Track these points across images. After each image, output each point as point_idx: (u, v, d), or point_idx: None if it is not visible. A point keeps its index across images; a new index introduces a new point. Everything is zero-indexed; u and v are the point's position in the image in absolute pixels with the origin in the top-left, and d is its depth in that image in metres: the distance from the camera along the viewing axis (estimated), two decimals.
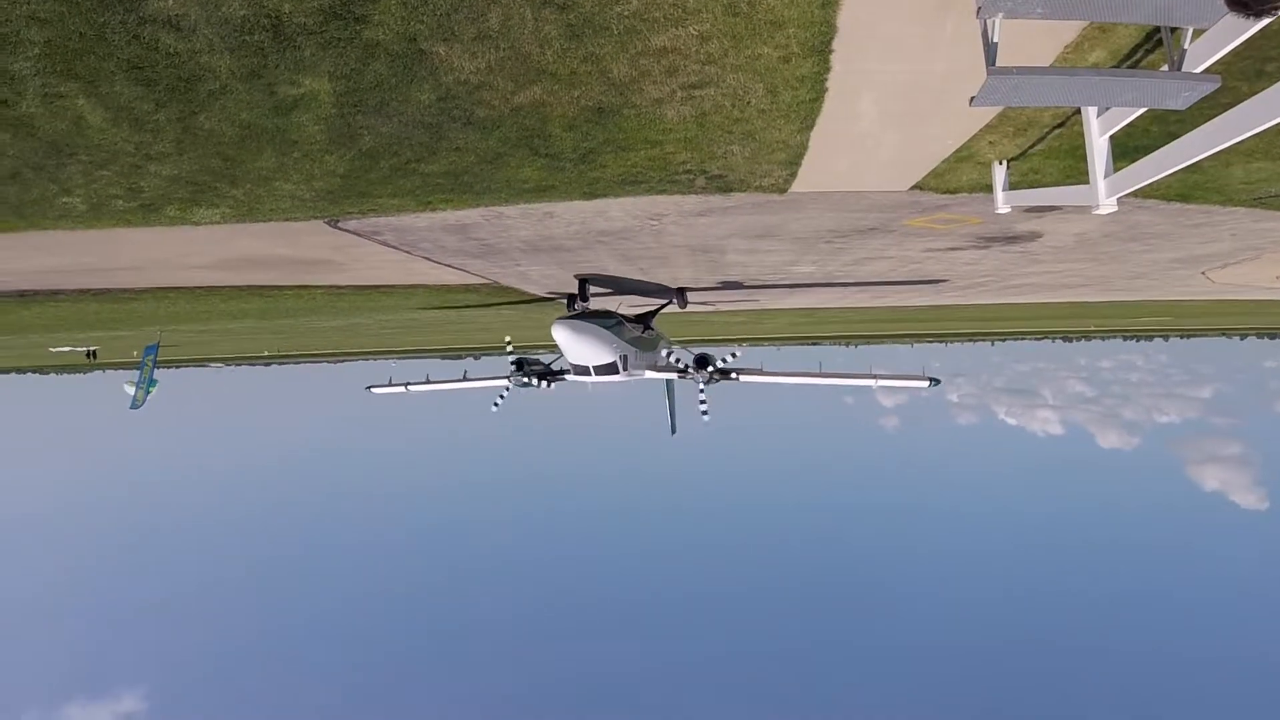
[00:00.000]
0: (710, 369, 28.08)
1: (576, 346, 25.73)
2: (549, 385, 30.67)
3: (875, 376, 28.01)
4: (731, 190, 14.66)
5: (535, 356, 32.37)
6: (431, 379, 35.28)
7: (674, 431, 47.31)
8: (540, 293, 35.14)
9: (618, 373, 27.11)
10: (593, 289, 29.97)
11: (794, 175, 14.08)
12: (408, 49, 9.14)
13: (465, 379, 33.97)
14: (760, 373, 28.66)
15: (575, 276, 28.09)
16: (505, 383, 31.10)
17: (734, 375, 28.23)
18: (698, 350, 29.16)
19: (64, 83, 9.57)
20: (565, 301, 32.19)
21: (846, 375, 29.10)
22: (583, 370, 27.05)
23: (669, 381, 32.34)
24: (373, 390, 36.17)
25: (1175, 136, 9.17)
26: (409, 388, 35.66)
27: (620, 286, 30.90)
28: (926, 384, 27.48)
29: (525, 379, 30.60)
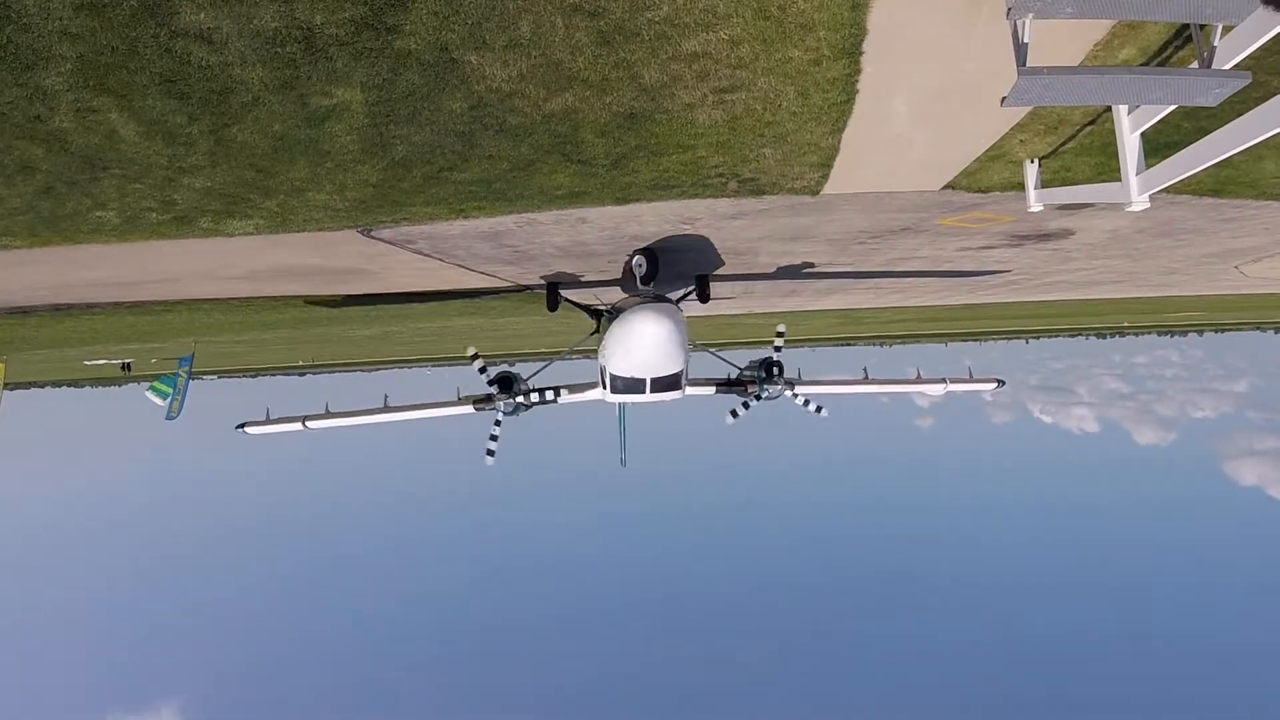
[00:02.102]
0: (782, 379, 21.55)
1: (662, 348, 17.50)
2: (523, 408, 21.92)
3: (945, 381, 24.32)
4: (764, 193, 14.62)
5: (504, 368, 24.74)
6: (331, 410, 23.49)
7: (624, 463, 32.27)
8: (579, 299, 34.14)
9: (678, 388, 19.35)
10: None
11: (826, 177, 14.05)
12: (440, 58, 9.15)
13: (388, 408, 23.16)
14: (825, 382, 23.36)
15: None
16: (494, 413, 21.47)
17: (794, 388, 21.90)
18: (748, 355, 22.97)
19: (97, 97, 9.63)
20: (544, 291, 25.64)
21: (915, 380, 24.70)
22: (631, 386, 18.92)
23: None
24: (247, 430, 23.33)
25: (1206, 132, 9.14)
26: (306, 424, 23.46)
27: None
28: (994, 385, 24.78)
29: (523, 402, 21.62)
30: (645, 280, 20.57)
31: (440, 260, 21.20)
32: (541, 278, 23.28)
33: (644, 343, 17.04)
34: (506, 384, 21.50)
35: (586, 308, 23.35)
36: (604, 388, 19.39)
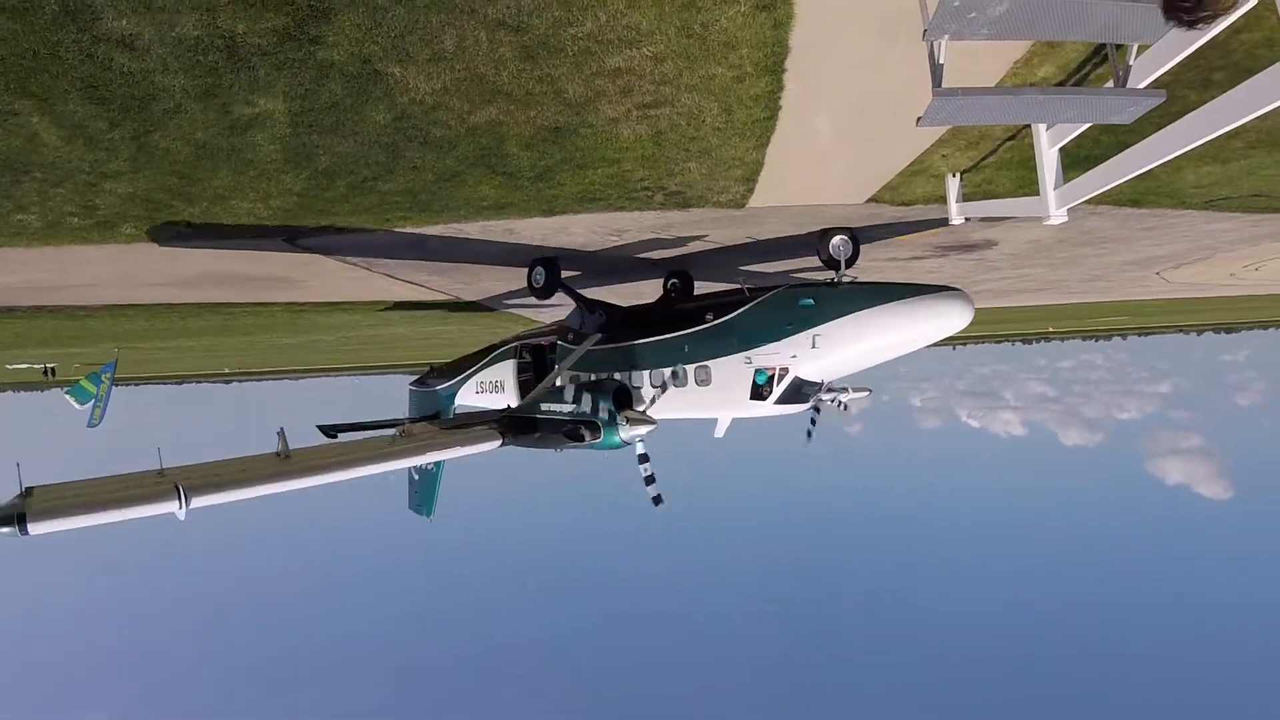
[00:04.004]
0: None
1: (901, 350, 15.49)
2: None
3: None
4: (690, 206, 14.77)
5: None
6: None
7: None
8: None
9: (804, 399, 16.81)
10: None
11: (751, 190, 14.24)
12: (362, 70, 9.19)
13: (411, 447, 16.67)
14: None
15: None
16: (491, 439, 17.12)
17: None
18: None
19: (17, 100, 9.54)
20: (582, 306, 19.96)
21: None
22: (796, 394, 16.31)
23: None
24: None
25: (1125, 145, 9.41)
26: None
27: (596, 265, 21.18)
28: (865, 394, 19.00)
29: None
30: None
31: (367, 269, 21.14)
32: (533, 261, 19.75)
33: (922, 341, 15.01)
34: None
35: (585, 300, 19.81)
36: (740, 397, 16.34)
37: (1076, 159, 11.34)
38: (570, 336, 19.97)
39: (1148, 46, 8.07)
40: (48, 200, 13.14)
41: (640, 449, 16.34)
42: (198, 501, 12.07)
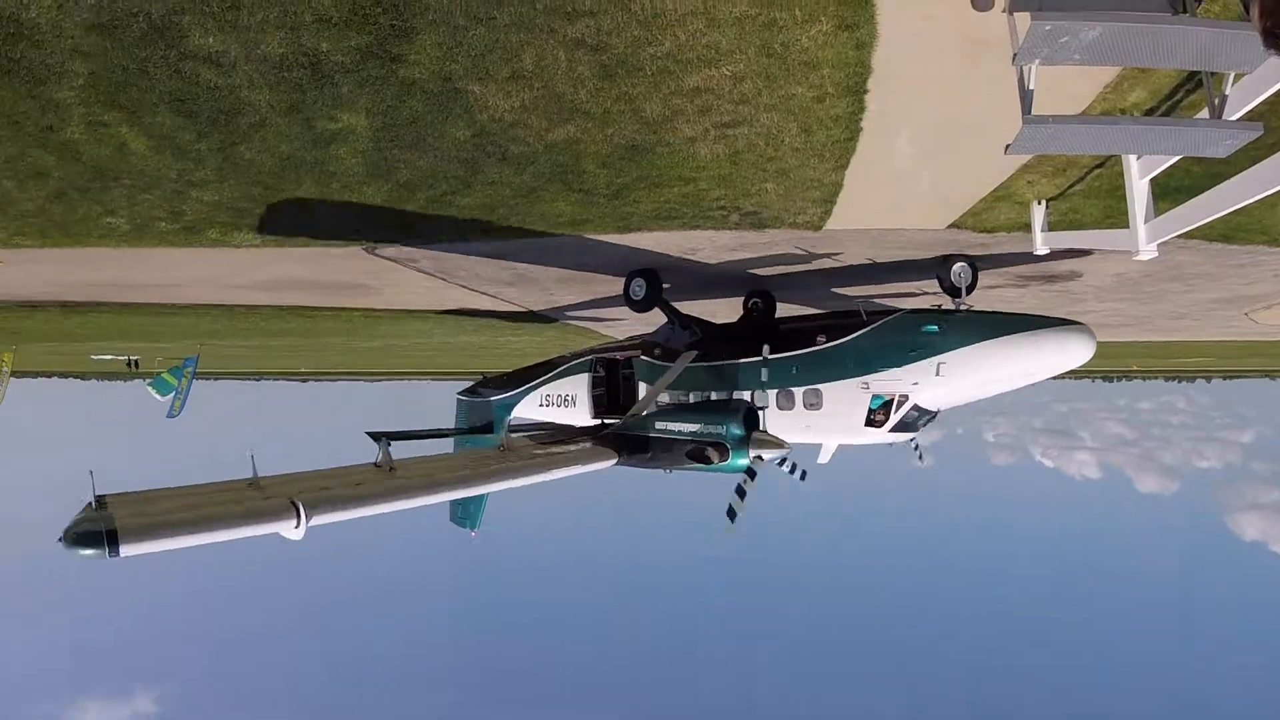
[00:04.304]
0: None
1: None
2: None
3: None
4: (766, 227, 14.66)
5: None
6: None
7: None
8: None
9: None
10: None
11: (829, 213, 14.07)
12: (443, 87, 9.28)
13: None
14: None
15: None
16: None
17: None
18: None
19: (107, 112, 9.84)
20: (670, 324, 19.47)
21: None
22: (912, 423, 15.95)
23: None
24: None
25: (1218, 177, 9.05)
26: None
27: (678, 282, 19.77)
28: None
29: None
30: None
31: (443, 280, 21.38)
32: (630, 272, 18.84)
33: (1043, 374, 14.95)
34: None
35: (680, 315, 19.06)
36: (854, 423, 15.82)
37: (1166, 189, 11.02)
38: (657, 352, 19.06)
39: (1243, 76, 7.81)
40: (136, 205, 13.53)
41: (745, 479, 15.57)
42: (317, 519, 10.90)
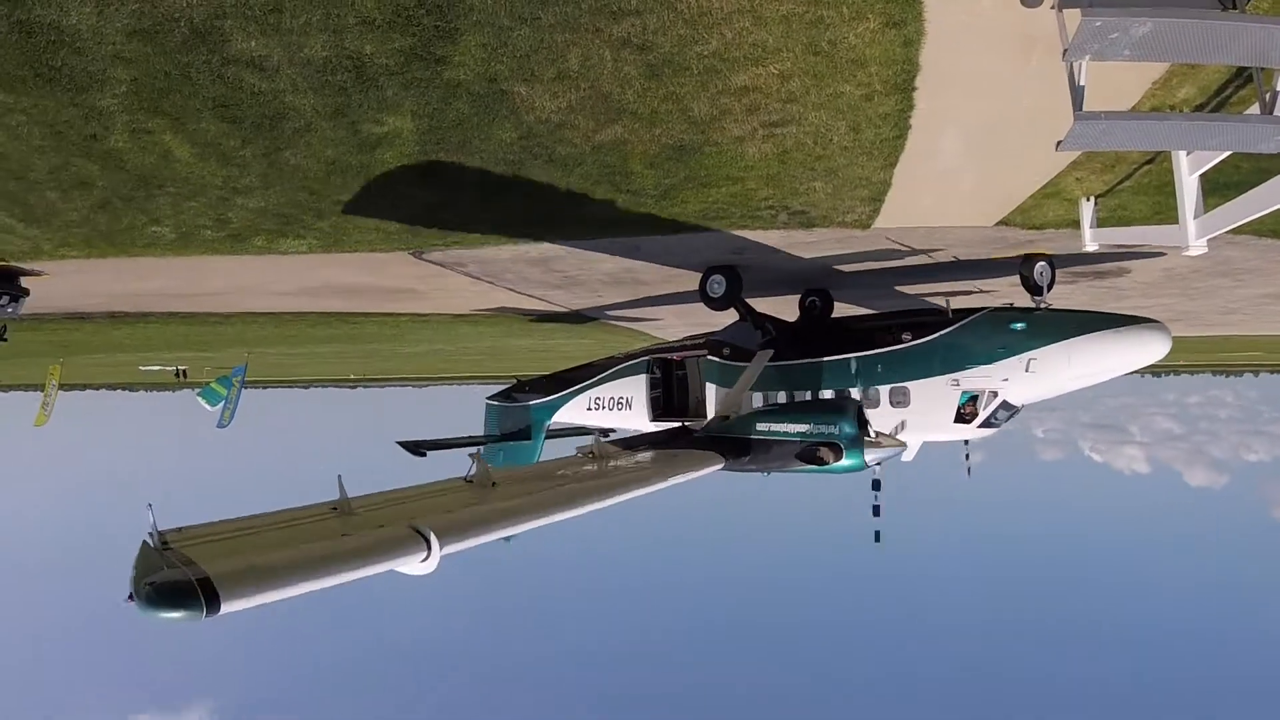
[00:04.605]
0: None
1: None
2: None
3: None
4: (814, 226, 14.51)
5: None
6: None
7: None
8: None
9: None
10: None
11: (877, 211, 13.94)
12: (489, 89, 9.21)
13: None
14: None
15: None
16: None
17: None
18: None
19: (151, 119, 9.84)
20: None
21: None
22: (995, 418, 15.86)
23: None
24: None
25: (1267, 173, 8.99)
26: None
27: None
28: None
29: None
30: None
31: (490, 283, 21.35)
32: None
33: (1124, 369, 15.13)
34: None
35: (755, 314, 18.64)
36: (943, 420, 15.90)
37: (1215, 185, 10.82)
38: (726, 352, 18.59)
39: None
40: (181, 213, 13.57)
41: (876, 474, 15.64)
42: (449, 549, 9.06)
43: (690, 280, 19.13)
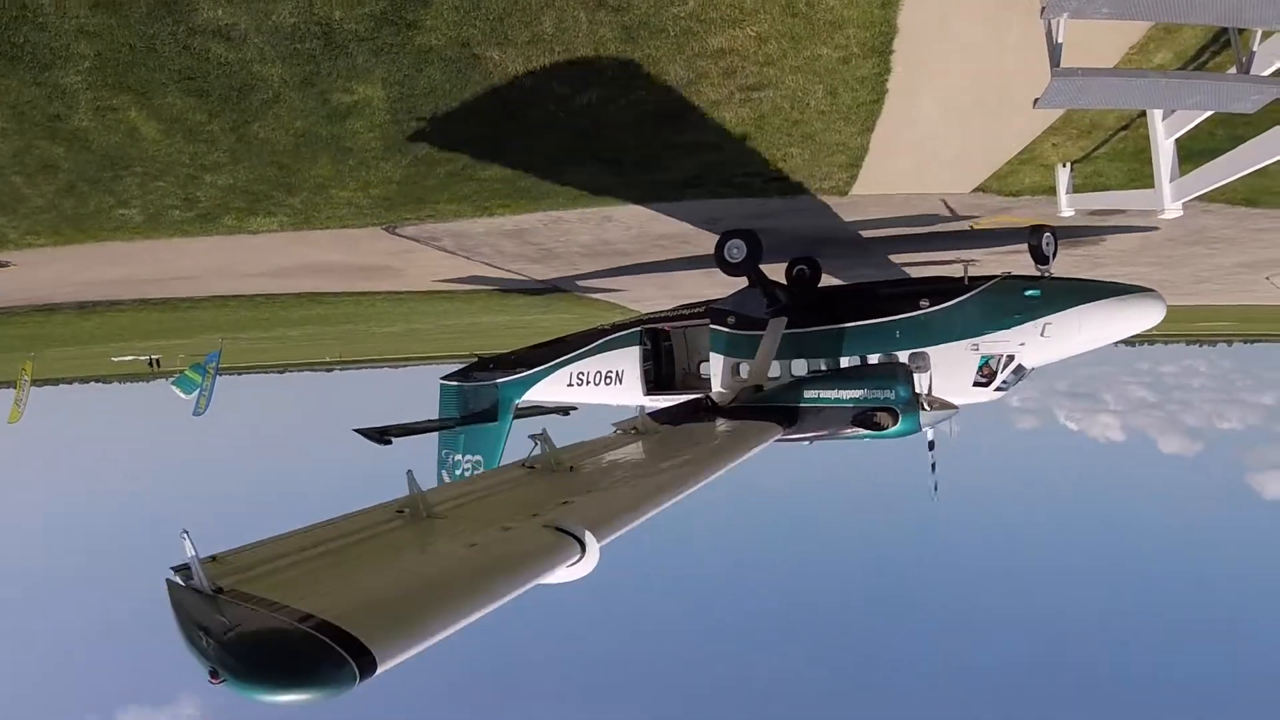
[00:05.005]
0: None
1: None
2: None
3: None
4: (791, 193, 14.44)
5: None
6: None
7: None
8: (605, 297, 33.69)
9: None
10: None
11: (855, 177, 13.86)
12: (461, 54, 9.04)
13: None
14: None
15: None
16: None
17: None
18: None
19: (116, 95, 9.62)
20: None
21: None
22: (1009, 382, 16.25)
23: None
24: None
25: (1241, 140, 9.04)
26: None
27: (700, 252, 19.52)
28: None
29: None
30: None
31: (466, 258, 21.17)
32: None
33: (1123, 335, 15.74)
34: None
35: (767, 281, 18.04)
36: (963, 385, 16.15)
37: (1190, 153, 10.82)
38: (732, 321, 18.16)
39: (1272, 34, 7.65)
40: (149, 194, 13.33)
41: (930, 435, 16.29)
42: (605, 540, 7.28)
43: (670, 249, 19.09)
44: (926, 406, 15.46)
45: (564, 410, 23.71)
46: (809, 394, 15.59)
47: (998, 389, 16.13)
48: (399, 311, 37.73)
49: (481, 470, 22.78)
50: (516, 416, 23.09)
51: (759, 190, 14.18)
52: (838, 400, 15.37)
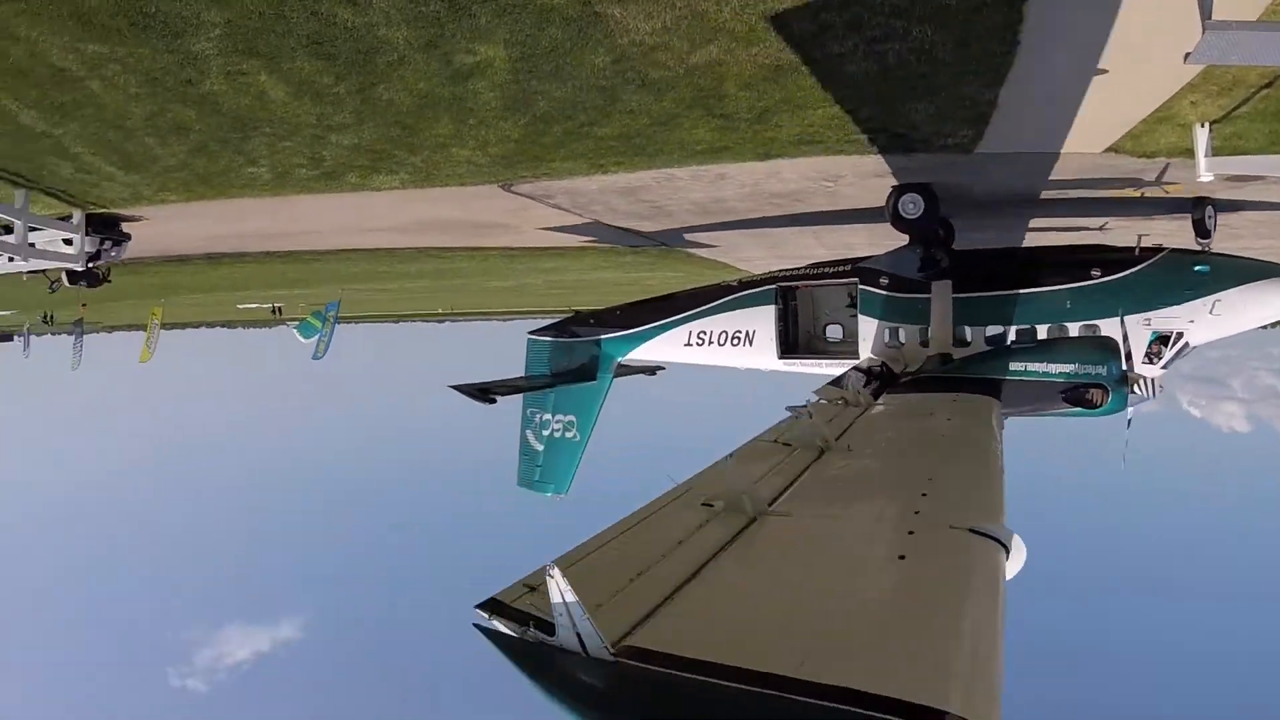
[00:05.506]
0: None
1: None
2: None
3: None
4: (914, 150, 14.04)
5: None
6: None
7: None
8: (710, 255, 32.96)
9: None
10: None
11: (981, 134, 13.33)
12: (582, 12, 8.98)
13: None
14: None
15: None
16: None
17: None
18: None
19: (246, 60, 9.83)
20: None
21: None
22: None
23: None
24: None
25: None
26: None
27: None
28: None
29: None
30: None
31: (578, 215, 21.18)
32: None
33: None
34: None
35: (931, 241, 16.94)
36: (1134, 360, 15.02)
37: None
38: (884, 282, 16.91)
39: None
40: (276, 153, 13.70)
41: (1130, 414, 14.79)
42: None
43: (783, 207, 18.70)
44: (1136, 386, 14.65)
45: (651, 370, 22.42)
46: (1015, 366, 14.91)
47: (1163, 367, 15.28)
48: (511, 267, 37.95)
49: (575, 432, 22.14)
50: (616, 376, 21.72)
51: (881, 147, 13.82)
52: (1045, 375, 14.69)
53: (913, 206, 16.15)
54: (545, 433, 22.30)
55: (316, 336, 58.62)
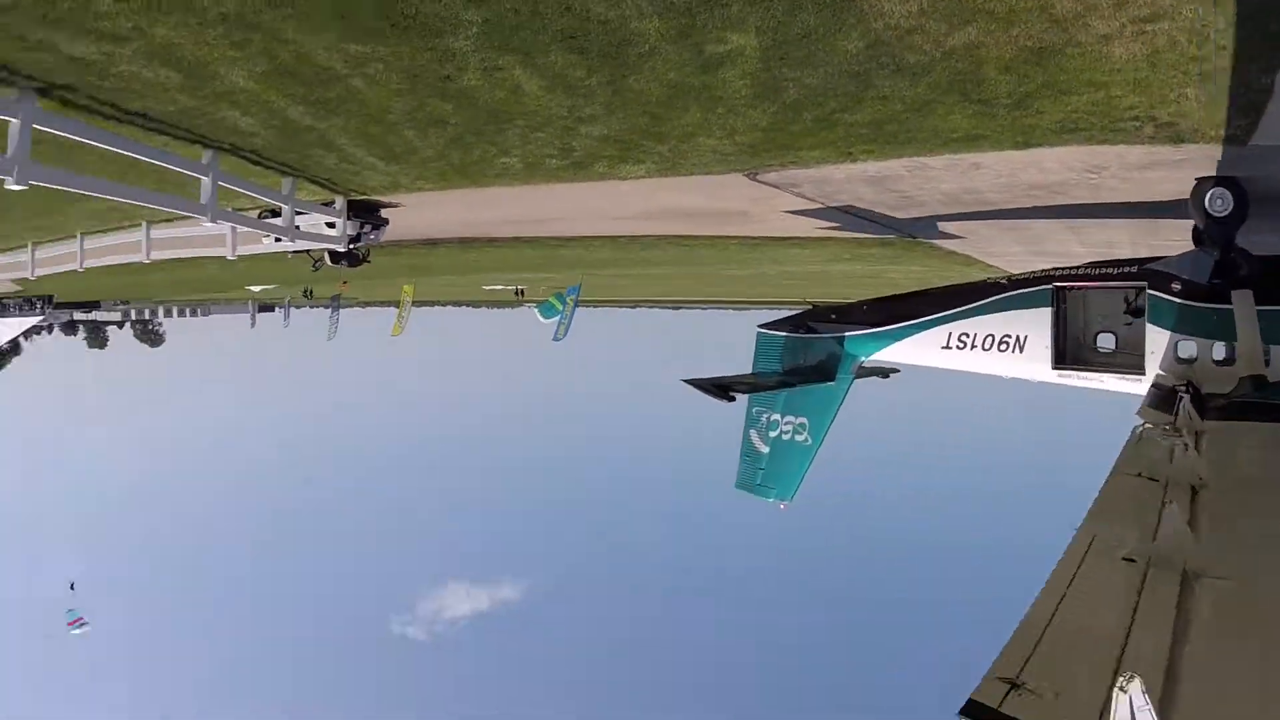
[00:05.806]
0: None
1: None
2: None
3: None
4: (1183, 141, 12.91)
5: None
6: None
7: None
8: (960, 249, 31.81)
9: None
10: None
11: (1255, 125, 12.06)
12: None
13: None
14: None
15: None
16: None
17: None
18: None
19: (501, 56, 10.14)
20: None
21: None
22: None
23: None
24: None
25: None
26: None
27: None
28: None
29: None
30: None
31: (822, 204, 20.79)
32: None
33: None
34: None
35: (1232, 245, 14.58)
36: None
37: None
38: (1176, 288, 14.75)
39: None
40: (528, 144, 14.13)
41: None
42: None
43: (1041, 199, 17.64)
44: None
45: (884, 373, 20.40)
46: None
47: None
48: (751, 256, 37.80)
49: (806, 435, 20.39)
50: (857, 377, 19.85)
51: (1147, 137, 12.90)
52: None
53: (1221, 203, 14.06)
54: (772, 434, 20.94)
55: (557, 318, 60.42)
